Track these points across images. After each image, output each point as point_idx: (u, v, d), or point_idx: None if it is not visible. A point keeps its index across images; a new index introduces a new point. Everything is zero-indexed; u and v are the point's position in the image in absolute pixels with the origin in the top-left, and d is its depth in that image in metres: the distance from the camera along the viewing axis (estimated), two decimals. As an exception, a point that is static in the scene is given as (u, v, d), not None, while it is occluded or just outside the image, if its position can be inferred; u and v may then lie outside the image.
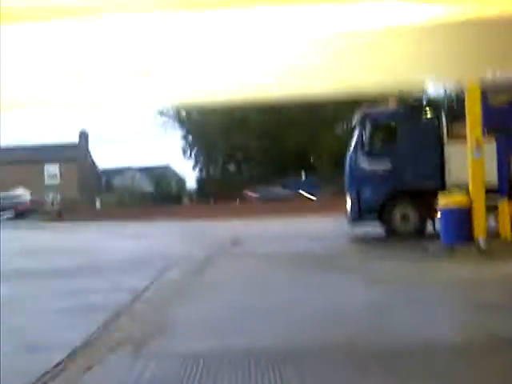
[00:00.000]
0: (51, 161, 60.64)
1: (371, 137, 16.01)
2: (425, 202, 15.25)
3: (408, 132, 15.65)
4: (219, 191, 46.74)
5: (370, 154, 15.95)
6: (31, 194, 59.22)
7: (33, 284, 9.63)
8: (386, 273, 9.31)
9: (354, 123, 16.78)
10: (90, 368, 4.56)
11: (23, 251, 16.17)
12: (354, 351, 4.84)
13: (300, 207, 31.55)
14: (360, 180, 16.08)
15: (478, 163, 11.37)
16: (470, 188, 11.36)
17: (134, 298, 7.51)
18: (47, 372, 4.44)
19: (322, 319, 6.08)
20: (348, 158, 16.62)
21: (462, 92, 15.19)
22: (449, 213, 11.18)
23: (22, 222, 39.22)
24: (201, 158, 53.53)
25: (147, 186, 66.32)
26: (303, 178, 49.99)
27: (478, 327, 5.61)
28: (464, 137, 14.28)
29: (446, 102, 17.25)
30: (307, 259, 11.95)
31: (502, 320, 5.74)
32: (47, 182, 61.14)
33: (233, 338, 5.45)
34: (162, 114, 50.58)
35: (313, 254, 13.05)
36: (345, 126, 41.13)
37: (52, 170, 61.52)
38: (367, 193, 15.94)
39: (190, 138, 52.64)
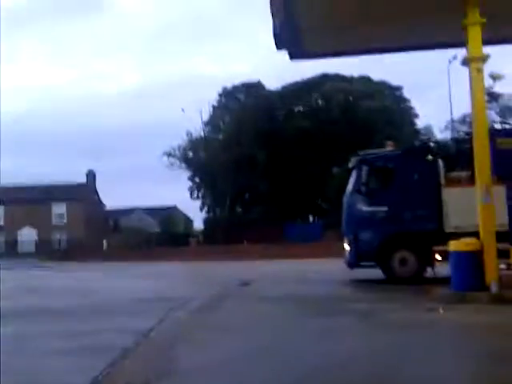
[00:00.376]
0: (58, 200, 60.90)
1: (368, 179, 15.94)
2: (423, 245, 15.16)
3: (405, 175, 15.68)
4: (226, 232, 46.73)
5: (367, 196, 15.90)
6: (38, 233, 59.44)
7: (37, 323, 9.52)
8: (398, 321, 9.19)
9: (350, 165, 16.79)
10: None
11: (29, 290, 16.11)
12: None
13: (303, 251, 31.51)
14: (357, 223, 15.98)
15: (488, 208, 11.29)
16: (481, 233, 11.26)
17: (137, 340, 7.40)
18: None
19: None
20: (345, 201, 16.63)
21: (464, 138, 15.38)
22: (459, 257, 11.02)
23: (29, 261, 39.19)
24: (208, 199, 53.70)
25: (154, 227, 66.41)
26: (310, 220, 50.02)
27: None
28: (462, 181, 15.23)
29: (446, 147, 17.25)
30: (312, 304, 11.81)
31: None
32: (54, 221, 61.29)
33: (239, 380, 5.34)
34: (169, 154, 50.99)
35: (318, 298, 12.92)
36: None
37: (59, 209, 61.73)
38: (364, 236, 15.78)
39: (197, 179, 52.93)
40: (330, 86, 49.33)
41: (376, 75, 51.91)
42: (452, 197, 15.08)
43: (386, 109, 47.99)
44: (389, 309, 10.28)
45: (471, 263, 10.89)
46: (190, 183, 53.85)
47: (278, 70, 48.47)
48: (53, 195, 60.21)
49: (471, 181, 14.46)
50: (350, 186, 16.38)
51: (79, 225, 57.47)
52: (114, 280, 18.92)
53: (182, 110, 47.88)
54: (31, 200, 59.28)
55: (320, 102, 50.99)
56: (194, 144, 50.77)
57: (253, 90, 51.94)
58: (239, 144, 48.14)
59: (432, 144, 16.25)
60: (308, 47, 13.54)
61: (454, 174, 15.90)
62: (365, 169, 15.92)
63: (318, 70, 50.75)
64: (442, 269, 14.36)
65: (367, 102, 48.37)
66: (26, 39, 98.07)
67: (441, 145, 16.78)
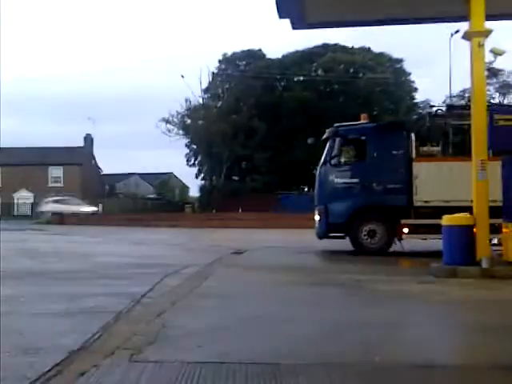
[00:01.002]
0: (56, 163, 60.75)
1: (340, 152, 16.18)
2: (392, 218, 15.51)
3: (377, 149, 15.88)
4: (222, 200, 46.82)
5: (339, 168, 16.12)
6: (34, 196, 59.40)
7: (32, 286, 9.59)
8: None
9: (324, 137, 16.89)
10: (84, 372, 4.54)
11: (26, 253, 16.18)
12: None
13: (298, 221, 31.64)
14: (328, 194, 16.24)
15: (483, 184, 11.33)
16: (474, 209, 11.32)
17: (129, 305, 7.48)
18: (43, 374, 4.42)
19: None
20: (317, 172, 16.86)
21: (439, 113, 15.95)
22: (452, 232, 11.10)
23: (23, 224, 39.25)
24: (204, 167, 53.63)
25: (150, 193, 66.48)
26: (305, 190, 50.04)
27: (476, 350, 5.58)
28: (432, 156, 15.83)
29: (422, 121, 17.32)
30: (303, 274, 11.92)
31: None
32: (51, 184, 61.22)
33: (229, 346, 5.41)
34: (167, 121, 50.74)
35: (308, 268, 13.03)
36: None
37: (56, 172, 61.63)
38: (335, 207, 16.02)
39: (194, 146, 52.76)
40: (330, 57, 48.98)
41: (377, 47, 51.57)
42: (422, 171, 15.36)
43: (385, 81, 47.73)
44: (380, 280, 10.41)
45: (463, 238, 10.97)
46: (187, 150, 53.72)
47: (280, 39, 48.13)
48: (50, 158, 60.03)
49: (442, 155, 16.04)
50: (322, 158, 16.58)
51: (76, 188, 57.36)
52: (109, 245, 18.99)
53: (182, 76, 47.54)
54: (28, 162, 59.14)
55: (320, 72, 50.64)
56: (193, 111, 50.48)
57: (253, 58, 51.55)
58: (238, 112, 47.92)
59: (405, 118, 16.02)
60: (310, 16, 13.42)
61: (426, 148, 16.33)
62: (337, 140, 16.15)
63: (319, 40, 50.40)
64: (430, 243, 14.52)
65: (367, 73, 48.09)
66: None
67: (416, 119, 16.53)
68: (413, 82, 51.76)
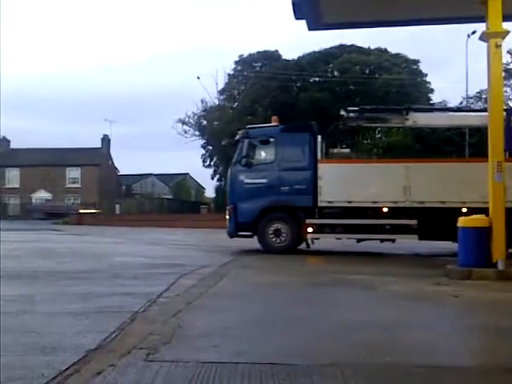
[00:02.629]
0: (73, 164, 61.24)
1: (249, 153, 16.64)
2: (297, 218, 16.00)
3: (284, 150, 16.44)
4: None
5: (248, 169, 16.61)
6: (52, 196, 59.94)
7: (49, 286, 9.68)
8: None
9: (236, 138, 17.40)
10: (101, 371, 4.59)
11: (43, 253, 16.31)
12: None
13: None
14: (237, 194, 16.76)
15: (499, 186, 11.27)
16: (490, 210, 11.26)
17: (146, 304, 7.54)
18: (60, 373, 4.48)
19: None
20: (229, 172, 17.42)
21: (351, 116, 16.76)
22: (467, 233, 11.04)
23: (41, 224, 39.56)
24: (220, 168, 53.67)
25: (166, 194, 66.74)
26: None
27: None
28: (336, 158, 16.56)
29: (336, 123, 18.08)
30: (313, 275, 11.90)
31: None
32: (68, 185, 61.71)
33: (244, 346, 5.44)
34: (183, 122, 50.87)
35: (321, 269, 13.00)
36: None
37: (73, 173, 62.10)
38: (243, 207, 16.51)
39: (210, 146, 52.84)
40: (346, 58, 48.87)
41: (393, 48, 51.36)
42: (326, 173, 15.86)
43: (401, 82, 47.51)
44: (393, 281, 10.38)
45: (479, 240, 10.91)
46: (203, 151, 53.83)
47: (296, 40, 48.13)
48: (67, 159, 60.52)
49: (349, 157, 17.05)
50: (234, 158, 17.15)
51: (93, 189, 57.83)
52: (125, 245, 19.11)
53: (198, 77, 47.55)
54: (46, 163, 59.65)
55: (336, 73, 50.54)
56: (208, 112, 50.59)
57: (269, 59, 51.56)
58: (253, 113, 47.95)
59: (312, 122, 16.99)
60: (326, 17, 13.42)
61: (336, 150, 17.06)
62: (247, 142, 16.63)
63: (335, 41, 50.31)
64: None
65: (383, 74, 47.91)
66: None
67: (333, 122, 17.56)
68: (429, 82, 51.42)
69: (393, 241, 16.08)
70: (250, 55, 52.52)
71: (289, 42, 78.62)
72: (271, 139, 16.73)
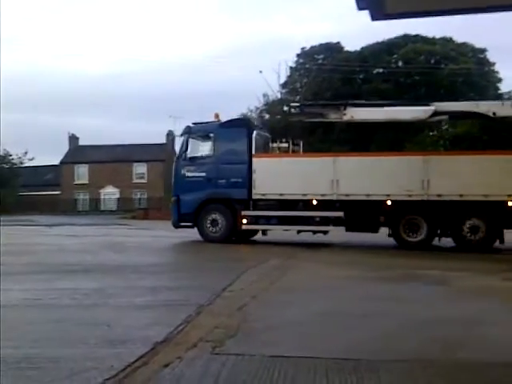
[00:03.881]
0: (140, 160, 62.48)
1: (191, 148, 17.67)
2: (233, 210, 16.90)
3: (222, 145, 17.33)
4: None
5: (189, 163, 17.62)
6: (119, 192, 61.38)
7: (118, 279, 9.92)
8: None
9: (180, 134, 18.52)
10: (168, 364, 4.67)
11: (112, 247, 16.71)
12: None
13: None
14: (180, 187, 17.79)
15: None
16: None
17: (212, 298, 7.62)
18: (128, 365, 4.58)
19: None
20: (173, 166, 18.35)
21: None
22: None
23: (109, 219, 40.51)
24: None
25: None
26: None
27: None
28: (270, 152, 17.43)
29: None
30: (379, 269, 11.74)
31: None
32: (135, 180, 63.02)
33: (309, 340, 5.43)
34: (245, 116, 51.11)
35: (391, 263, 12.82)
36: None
37: (140, 169, 63.38)
38: (185, 199, 17.55)
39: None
40: (410, 48, 47.94)
41: (459, 37, 50.01)
42: (259, 166, 16.63)
43: (468, 72, 46.26)
44: (463, 276, 10.15)
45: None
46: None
47: (359, 31, 47.53)
48: (134, 155, 61.85)
49: (285, 152, 17.64)
50: (177, 153, 18.32)
51: (158, 184, 58.77)
52: (190, 239, 19.36)
53: (260, 71, 47.61)
54: (114, 159, 61.14)
55: (400, 63, 49.67)
56: (271, 106, 50.63)
57: (331, 51, 51.14)
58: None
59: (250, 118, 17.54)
60: (390, 7, 13.18)
61: (276, 144, 17.74)
62: (189, 137, 17.73)
63: (399, 31, 49.41)
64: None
65: (449, 64, 46.77)
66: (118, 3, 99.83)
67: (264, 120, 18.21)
68: (497, 72, 49.92)
69: (324, 232, 16.75)
70: (312, 48, 52.21)
71: (351, 33, 77.75)
72: (211, 135, 17.57)
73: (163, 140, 64.52)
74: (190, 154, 17.66)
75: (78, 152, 64.83)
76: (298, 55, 52.61)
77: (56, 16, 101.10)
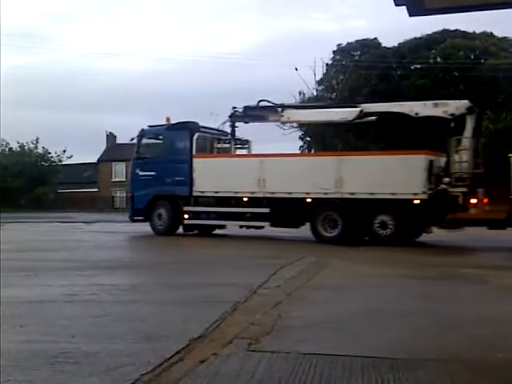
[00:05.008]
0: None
1: (143, 149, 19.70)
2: (176, 206, 18.55)
3: (168, 147, 19.06)
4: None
5: (142, 163, 19.52)
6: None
7: (155, 276, 10.00)
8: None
9: (135, 136, 20.03)
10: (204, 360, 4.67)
11: (148, 243, 16.85)
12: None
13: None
14: (134, 185, 19.97)
15: None
16: None
17: (247, 295, 7.62)
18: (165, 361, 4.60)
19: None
20: (130, 165, 20.53)
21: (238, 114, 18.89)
22: None
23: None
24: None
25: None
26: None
27: None
28: (208, 153, 18.93)
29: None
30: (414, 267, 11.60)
31: None
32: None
33: (345, 338, 5.39)
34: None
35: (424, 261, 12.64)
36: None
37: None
38: (138, 196, 19.55)
39: (308, 138, 52.68)
40: (449, 43, 47.24)
41: (499, 31, 49.08)
42: (199, 166, 18.20)
43: (509, 67, 45.38)
44: (505, 275, 9.97)
45: None
46: (301, 143, 53.77)
47: (396, 27, 47.03)
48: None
49: (226, 152, 19.34)
50: (133, 153, 20.10)
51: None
52: (228, 237, 19.45)
53: (296, 68, 47.55)
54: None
55: (439, 59, 48.99)
56: (307, 103, 50.46)
57: (368, 47, 50.72)
58: (352, 103, 47.25)
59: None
60: (428, 2, 12.98)
61: (220, 145, 19.49)
62: (142, 139, 19.66)
63: (437, 26, 48.74)
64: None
65: (489, 59, 45.95)
66: (153, 3, 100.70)
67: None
68: (540, 66, 48.90)
69: (257, 228, 18.06)
70: (349, 44, 51.85)
71: (388, 29, 77.09)
72: (160, 137, 19.59)
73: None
74: (142, 154, 19.64)
75: (115, 150, 65.51)
76: (335, 52, 52.28)
77: (93, 15, 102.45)
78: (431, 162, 15.66)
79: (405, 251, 14.58)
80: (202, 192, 18.18)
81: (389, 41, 53.40)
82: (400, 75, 49.19)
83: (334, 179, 16.24)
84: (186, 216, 18.44)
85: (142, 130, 19.80)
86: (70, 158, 59.85)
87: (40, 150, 56.65)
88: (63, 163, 59.81)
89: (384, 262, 12.45)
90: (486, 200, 15.37)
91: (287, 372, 4.41)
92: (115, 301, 7.41)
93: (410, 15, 14.64)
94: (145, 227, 19.42)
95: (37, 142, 56.13)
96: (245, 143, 20.18)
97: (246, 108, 19.16)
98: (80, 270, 10.39)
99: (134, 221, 20.06)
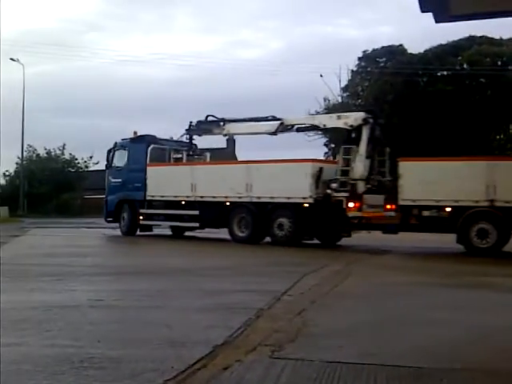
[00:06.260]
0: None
1: (116, 158, 22.23)
2: (135, 208, 21.31)
3: (130, 157, 21.72)
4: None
5: (113, 171, 22.29)
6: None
7: (182, 282, 10.03)
8: None
9: (110, 148, 22.65)
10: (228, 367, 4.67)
11: (176, 251, 16.92)
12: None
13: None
14: (108, 190, 22.74)
15: None
16: None
17: (271, 302, 7.60)
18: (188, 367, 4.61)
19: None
20: (106, 173, 23.13)
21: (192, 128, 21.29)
22: None
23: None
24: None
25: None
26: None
27: None
28: (163, 161, 21.35)
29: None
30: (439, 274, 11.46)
31: None
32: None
33: (370, 347, 5.34)
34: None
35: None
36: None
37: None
38: (109, 200, 22.44)
39: (333, 144, 52.53)
40: (476, 50, 46.79)
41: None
42: (151, 174, 20.77)
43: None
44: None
45: None
46: (325, 149, 53.61)
47: (422, 33, 46.69)
48: (198, 158, 62.41)
49: (176, 161, 21.80)
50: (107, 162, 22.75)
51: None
52: (253, 244, 19.54)
53: (321, 75, 47.42)
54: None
55: (465, 66, 48.56)
56: (331, 110, 50.31)
57: (394, 53, 50.47)
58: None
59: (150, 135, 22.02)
60: (454, 8, 12.88)
61: (175, 156, 21.86)
62: (114, 151, 22.32)
63: (463, 33, 48.32)
64: None
65: (518, 66, 45.41)
66: (180, 10, 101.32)
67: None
68: None
69: (192, 229, 20.86)
70: (374, 50, 51.64)
71: (414, 36, 76.56)
72: (126, 148, 21.99)
73: (224, 145, 65.03)
74: (114, 163, 22.26)
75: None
76: (360, 58, 52.10)
77: (120, 23, 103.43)
78: (320, 169, 17.34)
79: (430, 259, 14.48)
80: (152, 196, 20.83)
81: (414, 47, 53.02)
82: (426, 82, 48.87)
83: (245, 184, 18.27)
84: (141, 217, 21.24)
85: (115, 142, 22.48)
86: (96, 164, 60.29)
87: (67, 156, 57.19)
88: (90, 169, 60.29)
89: (409, 269, 12.34)
90: (358, 204, 16.89)
91: (311, 380, 4.39)
92: (139, 306, 7.46)
93: (437, 21, 14.51)
94: (164, 232, 20.78)
95: (63, 149, 56.60)
96: (201, 153, 22.69)
97: (198, 122, 21.43)
98: (105, 276, 10.49)
99: (108, 222, 22.93)
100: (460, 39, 48.50)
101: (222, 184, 18.82)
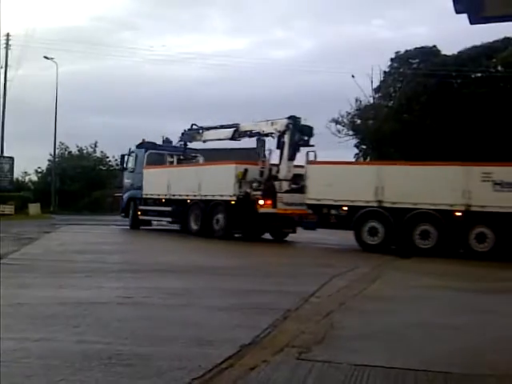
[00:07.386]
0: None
1: (129, 162, 25.59)
2: (136, 205, 24.43)
3: (135, 161, 25.05)
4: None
5: (127, 173, 25.82)
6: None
7: (207, 281, 10.05)
8: None
9: (127, 153, 26.07)
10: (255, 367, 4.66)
11: (200, 250, 16.95)
12: None
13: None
14: (123, 189, 26.32)
15: None
16: None
17: (298, 303, 7.57)
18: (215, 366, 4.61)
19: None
20: (122, 174, 26.86)
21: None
22: None
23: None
24: (375, 167, 52.60)
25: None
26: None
27: None
28: (158, 164, 24.38)
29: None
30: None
31: None
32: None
33: (398, 351, 5.29)
34: (336, 122, 50.64)
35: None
36: None
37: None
38: (123, 198, 25.93)
39: (364, 146, 52.18)
40: (510, 51, 46.07)
41: None
42: (146, 175, 23.89)
43: None
44: None
45: None
46: (356, 150, 53.28)
47: (456, 35, 46.08)
48: (227, 159, 62.56)
49: (167, 164, 24.91)
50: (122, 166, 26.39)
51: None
52: (288, 245, 19.56)
53: (353, 76, 47.16)
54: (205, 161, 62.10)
55: (500, 68, 47.85)
56: (363, 111, 49.96)
57: (427, 55, 49.94)
58: (410, 112, 46.62)
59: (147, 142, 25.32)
60: (490, 9, 12.69)
61: (170, 160, 24.94)
62: (128, 156, 25.66)
63: (499, 34, 47.61)
64: None
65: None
66: (211, 9, 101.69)
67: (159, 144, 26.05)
68: None
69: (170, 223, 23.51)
70: (407, 52, 51.16)
71: (448, 37, 75.57)
72: (133, 153, 25.35)
73: (253, 144, 65.08)
74: (128, 166, 25.56)
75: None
76: (392, 59, 51.64)
77: (152, 22, 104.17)
78: (246, 171, 19.61)
79: (457, 263, 14.29)
80: (146, 195, 23.82)
81: (448, 48, 52.42)
82: (460, 84, 48.26)
83: (198, 184, 20.94)
84: (139, 213, 24.37)
85: (129, 148, 25.75)
86: (126, 162, 60.80)
87: (98, 154, 57.80)
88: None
89: (436, 273, 12.18)
90: (270, 202, 18.75)
91: (338, 382, 4.36)
92: (167, 304, 7.50)
93: (471, 23, 14.30)
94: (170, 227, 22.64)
95: (95, 146, 57.23)
96: (194, 157, 25.71)
97: (186, 130, 24.32)
98: (133, 273, 10.56)
99: (122, 217, 26.03)
100: (495, 41, 47.83)
101: (186, 184, 21.66)
